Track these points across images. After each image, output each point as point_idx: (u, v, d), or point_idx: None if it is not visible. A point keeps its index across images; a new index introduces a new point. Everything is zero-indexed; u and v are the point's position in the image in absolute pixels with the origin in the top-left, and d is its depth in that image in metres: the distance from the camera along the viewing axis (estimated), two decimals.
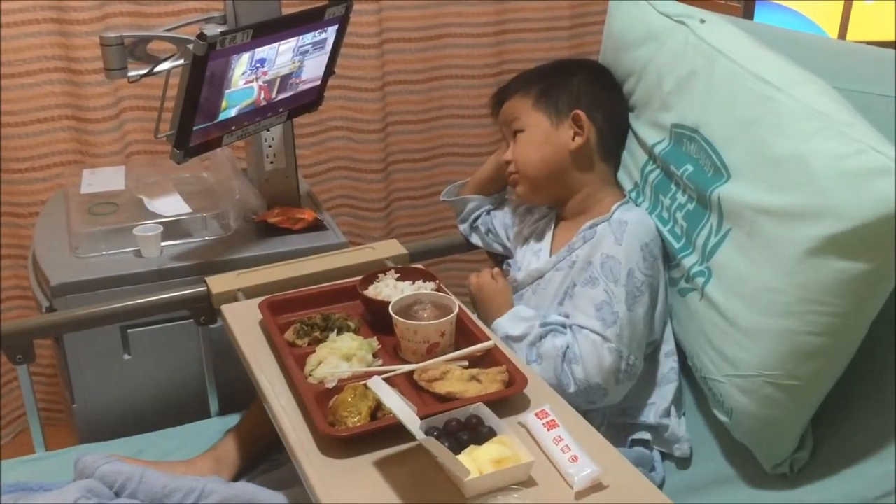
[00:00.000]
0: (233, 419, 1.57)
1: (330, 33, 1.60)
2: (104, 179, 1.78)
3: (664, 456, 1.33)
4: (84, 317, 1.47)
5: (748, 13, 2.03)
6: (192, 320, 1.53)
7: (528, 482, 1.00)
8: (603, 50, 1.55)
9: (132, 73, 1.50)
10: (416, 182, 2.31)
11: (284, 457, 1.45)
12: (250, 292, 1.45)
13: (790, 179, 1.08)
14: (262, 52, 1.47)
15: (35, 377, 1.96)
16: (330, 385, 1.15)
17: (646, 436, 1.32)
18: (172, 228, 1.64)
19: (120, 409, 1.60)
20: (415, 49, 2.17)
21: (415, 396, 1.14)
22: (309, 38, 1.55)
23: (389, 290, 1.33)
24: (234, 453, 1.43)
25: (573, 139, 1.42)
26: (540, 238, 1.49)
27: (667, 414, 1.31)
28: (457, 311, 1.23)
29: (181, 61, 1.50)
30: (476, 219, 1.65)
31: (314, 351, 1.22)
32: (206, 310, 1.50)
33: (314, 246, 1.65)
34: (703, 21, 1.35)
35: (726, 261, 1.17)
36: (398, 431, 1.05)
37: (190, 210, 1.67)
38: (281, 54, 1.52)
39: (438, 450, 0.95)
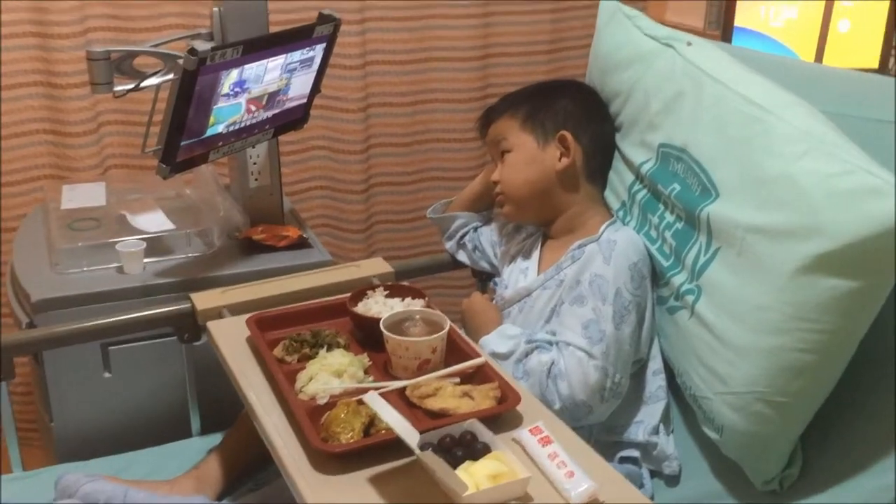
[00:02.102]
0: (215, 438, 1.55)
1: (318, 51, 1.60)
2: (84, 195, 1.76)
3: (653, 474, 1.33)
4: (65, 333, 1.45)
5: (726, 40, 2.07)
6: (174, 338, 1.51)
7: (525, 498, 1.00)
8: (589, 71, 1.57)
9: (118, 88, 1.50)
10: (398, 205, 2.31)
11: (269, 476, 1.44)
12: (236, 309, 1.44)
13: (780, 198, 1.09)
14: (251, 68, 1.47)
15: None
16: (322, 401, 1.14)
17: (634, 453, 1.32)
18: (155, 245, 1.62)
19: (100, 428, 1.57)
20: (399, 72, 2.18)
21: (407, 413, 1.13)
22: (297, 55, 1.56)
23: (379, 306, 1.33)
24: (217, 473, 1.41)
25: (559, 160, 1.43)
26: (527, 256, 1.50)
27: (655, 432, 1.32)
28: (448, 327, 1.23)
29: (169, 76, 1.50)
30: (463, 236, 1.66)
31: (304, 367, 1.21)
32: (189, 327, 1.48)
33: (299, 264, 1.64)
34: (689, 44, 1.37)
35: (716, 279, 1.19)
36: (392, 447, 1.04)
37: (173, 226, 1.65)
38: (269, 71, 1.52)
39: (437, 465, 0.95)
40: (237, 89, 1.48)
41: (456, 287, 2.30)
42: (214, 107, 1.46)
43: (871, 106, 1.22)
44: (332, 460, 1.06)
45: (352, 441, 1.06)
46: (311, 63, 1.61)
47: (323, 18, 1.57)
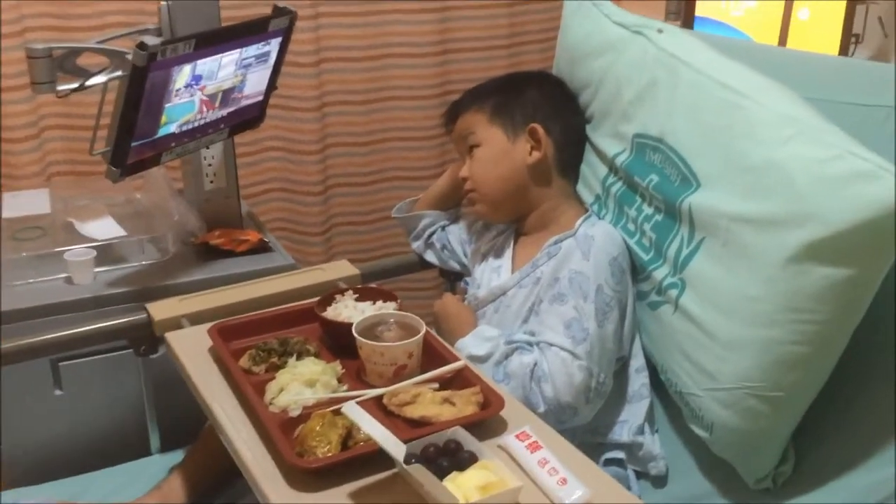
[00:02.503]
0: (176, 456, 1.47)
1: (273, 46, 1.53)
2: (27, 203, 1.67)
3: (639, 475, 1.29)
4: (12, 349, 1.34)
5: (687, 27, 2.04)
6: (129, 351, 1.42)
7: None
8: (557, 61, 1.52)
9: (61, 88, 1.41)
10: (357, 206, 2.24)
11: (236, 493, 1.37)
12: (196, 318, 1.36)
13: (767, 186, 1.06)
14: (204, 63, 1.40)
15: None
16: (294, 413, 1.08)
17: (619, 455, 1.28)
18: (106, 253, 1.54)
19: (52, 450, 1.48)
20: (355, 69, 2.11)
21: (385, 422, 1.07)
22: (252, 50, 1.48)
23: (349, 311, 1.27)
24: (180, 492, 1.34)
25: (530, 154, 1.39)
26: (499, 255, 1.45)
27: (640, 431, 1.28)
28: (424, 330, 1.17)
29: (116, 74, 1.41)
30: (431, 235, 1.60)
31: (273, 377, 1.15)
32: (146, 339, 1.40)
33: (260, 268, 1.57)
34: (660, 31, 1.33)
35: (701, 271, 1.15)
36: (372, 460, 0.98)
37: (124, 233, 1.57)
38: (223, 67, 1.45)
39: (425, 478, 0.89)
40: (190, 86, 1.40)
41: (423, 289, 2.24)
42: (166, 105, 1.38)
43: (849, 90, 1.19)
44: (308, 476, 0.99)
45: (329, 455, 1.00)
46: (266, 58, 1.54)
47: (278, 11, 1.50)
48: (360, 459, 0.99)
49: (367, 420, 0.94)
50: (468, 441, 1.02)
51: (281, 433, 1.04)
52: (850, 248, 0.98)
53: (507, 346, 1.26)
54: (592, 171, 1.42)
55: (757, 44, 1.51)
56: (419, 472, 0.89)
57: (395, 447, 0.91)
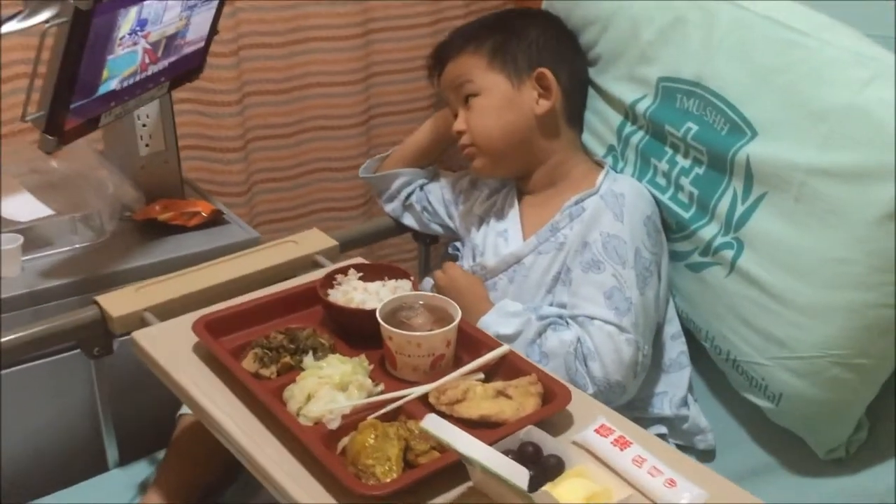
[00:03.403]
0: (140, 469, 1.27)
1: None
2: None
3: (682, 449, 1.19)
4: None
5: None
6: (74, 353, 1.21)
7: None
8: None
9: None
10: (282, 203, 2.02)
11: (233, 498, 1.19)
12: (161, 311, 1.15)
13: (849, 134, 0.96)
14: (150, 5, 1.16)
15: None
16: (333, 426, 0.91)
17: (661, 429, 1.18)
18: (29, 237, 1.28)
19: None
20: (274, 56, 1.86)
21: None
22: None
23: (360, 293, 1.09)
24: None
25: (538, 102, 1.24)
26: (501, 216, 1.30)
27: (684, 403, 1.18)
28: (460, 314, 1.02)
29: (31, 20, 1.15)
30: (408, 196, 1.43)
31: (288, 382, 0.97)
32: (99, 338, 1.18)
33: (220, 245, 1.36)
34: None
35: (764, 230, 1.04)
36: (438, 476, 0.84)
37: (51, 212, 1.31)
38: (169, 9, 1.21)
39: None
40: (134, 33, 1.16)
41: (398, 255, 2.05)
42: (109, 57, 1.14)
43: None
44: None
45: (393, 475, 0.84)
46: None
47: None
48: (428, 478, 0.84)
49: (465, 440, 0.78)
50: (547, 443, 0.88)
51: (331, 454, 0.87)
52: None
53: (539, 321, 1.12)
54: (602, 120, 1.29)
55: None
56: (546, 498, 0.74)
57: (516, 472, 0.76)
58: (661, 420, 1.18)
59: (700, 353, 1.21)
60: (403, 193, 1.43)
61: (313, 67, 1.95)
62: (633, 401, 1.17)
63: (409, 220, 1.44)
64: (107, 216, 1.35)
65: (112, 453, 1.27)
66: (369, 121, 2.03)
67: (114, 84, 1.19)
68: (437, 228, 1.43)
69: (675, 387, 1.19)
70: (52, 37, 1.06)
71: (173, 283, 1.21)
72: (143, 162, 1.40)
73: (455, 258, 1.37)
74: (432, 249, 1.55)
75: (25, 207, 1.31)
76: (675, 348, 1.20)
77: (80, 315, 1.16)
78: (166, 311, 1.15)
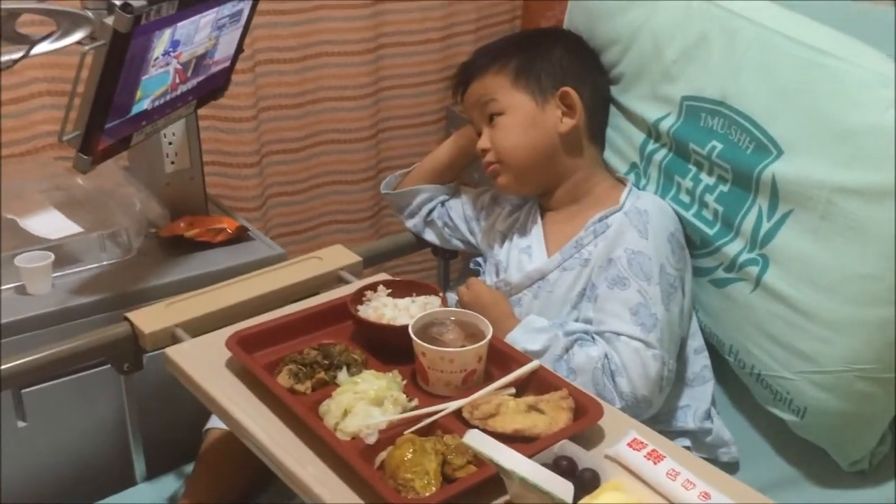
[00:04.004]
0: (167, 483, 1.28)
1: (246, 3, 1.33)
2: None
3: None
4: None
5: None
6: (103, 369, 1.22)
7: None
8: (570, 17, 1.38)
9: (5, 58, 1.15)
10: (294, 216, 2.04)
11: None
12: (191, 327, 1.17)
13: (874, 154, 0.98)
14: (183, 26, 1.18)
15: None
16: (371, 441, 0.92)
17: (685, 442, 1.19)
18: (58, 254, 1.30)
19: (18, 489, 1.25)
20: (289, 71, 1.88)
21: None
22: (227, 8, 1.27)
23: (391, 310, 1.11)
24: None
25: (562, 120, 1.26)
26: (524, 233, 1.31)
27: (707, 416, 1.20)
28: (491, 330, 1.04)
29: (64, 41, 1.17)
30: (430, 212, 1.44)
31: (323, 397, 0.98)
32: (129, 354, 1.20)
33: (246, 262, 1.37)
34: None
35: (790, 247, 1.06)
36: (476, 490, 0.85)
37: (80, 229, 1.33)
38: (201, 29, 1.23)
39: None
40: (167, 54, 1.18)
41: (412, 271, 2.07)
42: (143, 78, 1.16)
43: None
44: None
45: (432, 488, 0.86)
46: (239, 17, 1.33)
47: None
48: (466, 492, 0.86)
49: (507, 454, 0.79)
50: (581, 457, 0.90)
51: (371, 469, 0.88)
52: None
53: (566, 337, 1.14)
54: (625, 137, 1.31)
55: None
56: None
57: (560, 487, 0.77)
58: (685, 433, 1.20)
59: (722, 367, 1.22)
60: (425, 209, 1.45)
61: (325, 82, 1.98)
62: (657, 414, 1.19)
63: (430, 236, 1.46)
64: (133, 233, 1.37)
65: (140, 467, 1.29)
66: (379, 134, 2.06)
67: (146, 104, 1.21)
68: (458, 244, 1.45)
69: (698, 400, 1.20)
70: (89, 56, 1.08)
71: (202, 299, 1.23)
72: (168, 179, 1.42)
73: (476, 273, 1.39)
74: (451, 264, 1.57)
75: (54, 224, 1.32)
76: (699, 362, 1.22)
77: (112, 331, 1.18)
78: (196, 327, 1.17)
